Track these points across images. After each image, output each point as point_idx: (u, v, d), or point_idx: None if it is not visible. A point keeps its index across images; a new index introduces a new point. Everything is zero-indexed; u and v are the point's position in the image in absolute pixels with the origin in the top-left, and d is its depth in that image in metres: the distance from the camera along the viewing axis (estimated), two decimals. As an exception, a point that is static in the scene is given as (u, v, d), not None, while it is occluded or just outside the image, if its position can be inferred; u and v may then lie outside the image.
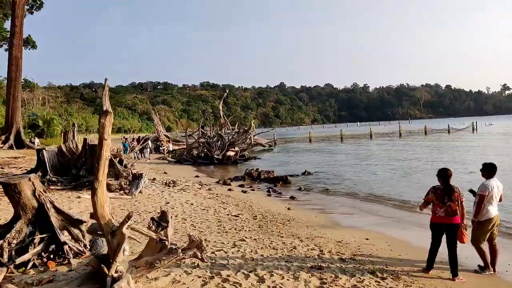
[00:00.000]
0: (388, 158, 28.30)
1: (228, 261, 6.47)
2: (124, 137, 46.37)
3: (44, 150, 13.87)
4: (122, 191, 13.26)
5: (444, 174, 6.21)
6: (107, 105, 4.33)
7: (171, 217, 5.11)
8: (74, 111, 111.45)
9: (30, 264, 5.30)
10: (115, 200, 12.24)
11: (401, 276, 6.08)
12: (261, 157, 33.59)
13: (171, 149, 37.60)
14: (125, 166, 16.22)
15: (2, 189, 5.78)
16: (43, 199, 5.62)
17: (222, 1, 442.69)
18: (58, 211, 5.89)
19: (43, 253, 5.57)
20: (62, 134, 30.83)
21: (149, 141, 35.62)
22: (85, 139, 14.17)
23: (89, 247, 6.00)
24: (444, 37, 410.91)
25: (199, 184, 16.89)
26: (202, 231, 8.82)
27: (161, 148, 38.56)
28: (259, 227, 9.42)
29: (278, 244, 7.68)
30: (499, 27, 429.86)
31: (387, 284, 5.68)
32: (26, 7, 34.17)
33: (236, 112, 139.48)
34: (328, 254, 7.14)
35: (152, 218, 4.90)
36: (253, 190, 16.33)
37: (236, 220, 10.18)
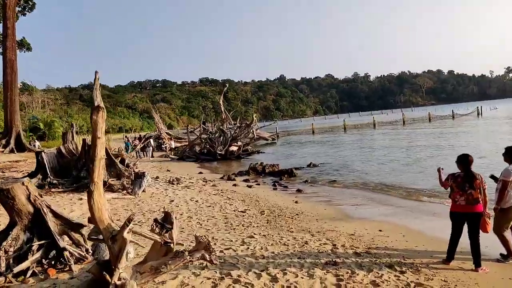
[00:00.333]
0: (394, 147, 27.92)
1: (238, 260, 6.17)
2: (125, 136, 46.08)
3: (43, 153, 13.57)
4: (125, 191, 12.97)
5: (464, 160, 5.86)
6: (98, 100, 4.00)
7: (176, 217, 4.79)
8: (74, 113, 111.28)
9: (30, 272, 5.01)
10: (118, 200, 11.97)
11: (421, 269, 5.75)
12: (264, 151, 33.26)
13: (173, 147, 37.28)
14: (127, 166, 15.94)
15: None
16: (39, 203, 5.31)
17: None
18: (56, 215, 5.58)
19: (43, 260, 5.27)
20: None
21: (151, 139, 35.33)
22: (84, 140, 13.86)
23: (91, 252, 5.70)
24: (445, 20, 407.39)
25: (203, 181, 16.59)
26: (208, 229, 8.53)
27: (163, 146, 38.27)
28: (267, 223, 9.12)
29: (288, 240, 7.36)
30: (501, 6, 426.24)
31: (407, 278, 5.36)
32: (18, 8, 33.72)
33: (237, 107, 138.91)
34: (342, 248, 6.82)
35: (155, 220, 4.58)
36: (259, 184, 16.02)
37: (243, 216, 9.88)
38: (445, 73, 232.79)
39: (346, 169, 18.90)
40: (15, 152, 28.32)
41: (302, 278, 5.35)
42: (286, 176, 17.70)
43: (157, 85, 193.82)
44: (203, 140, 30.28)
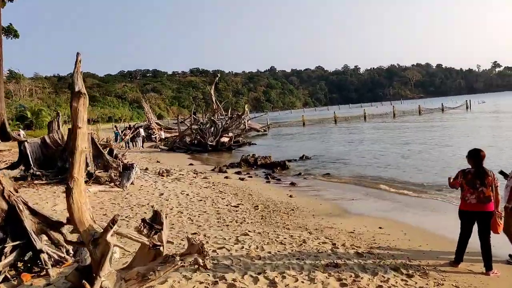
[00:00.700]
0: (386, 140, 27.68)
1: (232, 260, 5.74)
2: (115, 126, 45.22)
3: (26, 142, 12.93)
4: (113, 183, 12.44)
5: (476, 155, 5.47)
6: (79, 85, 3.49)
7: (166, 216, 4.33)
8: (63, 102, 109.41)
9: (1, 277, 4.50)
10: (105, 193, 11.45)
11: (429, 272, 5.38)
12: (255, 142, 32.78)
13: (163, 137, 36.63)
14: (116, 156, 15.37)
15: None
16: (14, 199, 4.79)
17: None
18: (34, 212, 5.07)
19: (17, 263, 4.77)
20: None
21: (141, 129, 34.62)
22: (69, 129, 13.22)
23: (72, 253, 5.21)
24: (433, 14, 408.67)
25: (194, 173, 16.09)
26: (200, 225, 8.08)
27: (153, 136, 37.58)
28: (262, 218, 8.70)
29: (285, 238, 6.95)
30: (488, 2, 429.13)
31: (416, 283, 4.98)
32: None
33: (228, 98, 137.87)
34: (342, 248, 6.43)
35: (143, 220, 4.11)
36: (251, 177, 15.58)
37: (236, 211, 9.44)
38: (434, 67, 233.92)
39: (340, 162, 18.55)
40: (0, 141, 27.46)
41: (303, 282, 4.95)
42: (278, 168, 17.29)
43: (148, 74, 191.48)
44: (194, 131, 29.70)
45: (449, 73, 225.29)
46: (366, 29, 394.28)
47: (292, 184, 13.64)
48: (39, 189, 11.36)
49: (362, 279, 5.06)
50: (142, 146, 31.92)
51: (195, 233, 7.37)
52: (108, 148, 15.92)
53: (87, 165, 12.01)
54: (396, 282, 4.99)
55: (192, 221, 8.50)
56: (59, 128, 14.98)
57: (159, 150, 29.25)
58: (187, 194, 11.52)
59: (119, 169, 13.20)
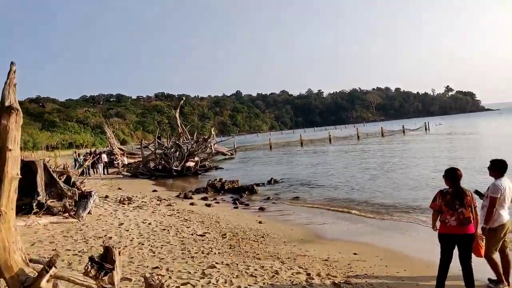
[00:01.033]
0: (353, 162, 27.85)
1: (197, 299, 5.14)
2: (75, 152, 43.37)
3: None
4: (67, 214, 11.48)
5: (453, 174, 5.20)
6: (12, 99, 2.92)
7: (120, 253, 3.72)
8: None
9: None
10: (57, 225, 10.52)
11: (412, 302, 5.00)
12: (222, 166, 32.16)
13: (126, 163, 35.29)
14: (74, 184, 14.38)
15: None
16: None
17: (170, 5, 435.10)
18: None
19: None
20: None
21: (104, 155, 33.21)
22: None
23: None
24: (391, 42, 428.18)
25: (158, 200, 15.28)
26: (163, 258, 7.38)
27: (115, 162, 36.13)
28: (230, 248, 8.10)
29: (256, 270, 6.40)
30: (441, 30, 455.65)
31: (400, 316, 4.56)
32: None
33: (194, 122, 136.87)
34: (318, 278, 5.96)
35: (91, 259, 3.49)
36: (218, 202, 14.96)
37: (202, 240, 8.80)
38: (393, 90, 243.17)
39: (308, 185, 18.27)
40: None
41: (278, 321, 4.42)
42: (247, 193, 16.76)
43: (111, 99, 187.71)
44: (158, 156, 28.76)
45: (407, 96, 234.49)
46: (327, 53, 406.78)
47: (261, 209, 13.14)
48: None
49: (342, 314, 4.59)
50: (107, 172, 30.57)
51: (156, 267, 6.70)
52: (65, 176, 14.94)
53: (38, 194, 11.06)
54: (379, 316, 4.55)
55: (154, 253, 7.79)
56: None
57: (122, 176, 28.04)
58: (149, 223, 10.76)
59: (74, 197, 12.25)
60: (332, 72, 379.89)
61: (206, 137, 33.54)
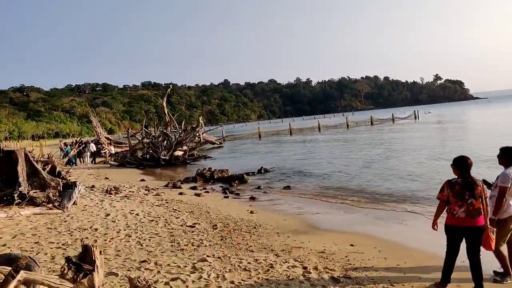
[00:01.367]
0: (344, 149, 27.68)
1: (188, 296, 4.79)
2: (62, 141, 42.39)
3: None
4: (51, 205, 11.00)
5: (463, 164, 4.88)
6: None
7: (101, 252, 3.34)
8: (3, 117, 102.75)
9: None
10: (40, 216, 10.03)
11: (416, 297, 4.72)
12: (211, 155, 31.75)
13: (113, 152, 34.59)
14: (59, 174, 13.83)
15: None
16: None
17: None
18: None
19: None
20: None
21: (92, 144, 32.45)
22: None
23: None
24: (381, 25, 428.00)
25: (146, 189, 14.84)
26: (151, 251, 7.01)
27: (102, 152, 35.40)
28: (221, 240, 7.76)
29: (249, 263, 6.07)
30: (429, 21, 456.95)
31: (406, 313, 4.28)
32: None
33: (181, 111, 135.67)
34: (315, 272, 5.65)
35: (68, 260, 3.10)
36: (208, 192, 14.59)
37: (192, 231, 8.44)
38: (381, 79, 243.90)
39: (299, 174, 17.98)
40: None
41: (276, 321, 4.09)
42: (237, 182, 16.41)
43: (97, 88, 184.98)
44: (146, 145, 28.17)
45: (396, 85, 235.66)
46: (315, 41, 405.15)
47: (252, 198, 12.81)
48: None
49: (344, 312, 4.29)
50: (94, 162, 29.90)
51: (144, 261, 6.32)
52: (50, 165, 14.37)
53: (19, 184, 10.54)
54: (384, 314, 4.26)
55: (142, 245, 7.40)
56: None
57: (109, 166, 27.44)
58: (137, 214, 10.35)
59: (58, 188, 11.75)
60: (320, 62, 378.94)
61: (194, 126, 32.98)
